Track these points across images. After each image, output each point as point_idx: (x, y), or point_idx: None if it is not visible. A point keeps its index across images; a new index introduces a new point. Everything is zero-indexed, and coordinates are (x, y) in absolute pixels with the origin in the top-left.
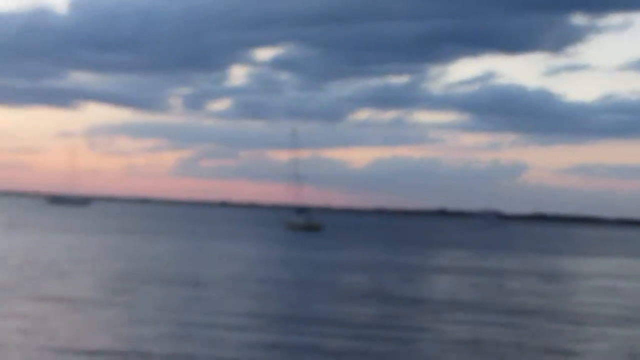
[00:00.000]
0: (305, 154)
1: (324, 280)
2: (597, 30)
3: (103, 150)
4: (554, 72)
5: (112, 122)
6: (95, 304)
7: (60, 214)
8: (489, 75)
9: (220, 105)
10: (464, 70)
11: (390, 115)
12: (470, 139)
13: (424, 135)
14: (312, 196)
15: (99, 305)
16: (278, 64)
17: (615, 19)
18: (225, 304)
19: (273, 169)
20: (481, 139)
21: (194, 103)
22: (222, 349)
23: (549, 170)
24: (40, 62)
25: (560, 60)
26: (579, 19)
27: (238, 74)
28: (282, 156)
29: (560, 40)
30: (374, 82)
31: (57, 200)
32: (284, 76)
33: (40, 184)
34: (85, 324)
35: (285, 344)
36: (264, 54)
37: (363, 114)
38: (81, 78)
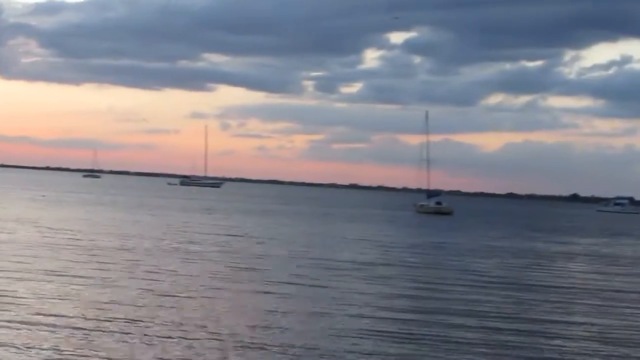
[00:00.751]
0: (436, 138)
1: (456, 265)
2: None
3: (235, 133)
4: None
5: (244, 104)
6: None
7: (193, 195)
8: (625, 60)
9: (353, 88)
10: (599, 55)
11: (522, 100)
12: (604, 125)
13: (557, 121)
14: (442, 180)
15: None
16: (411, 47)
17: None
18: (356, 289)
19: (404, 152)
20: (616, 124)
21: (327, 86)
22: (350, 339)
23: None
24: (176, 44)
25: None
26: None
27: (371, 58)
28: (413, 140)
29: None
30: (507, 67)
31: (190, 181)
32: (416, 60)
33: (173, 166)
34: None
35: (421, 334)
36: (397, 37)
37: (495, 99)
38: (215, 60)
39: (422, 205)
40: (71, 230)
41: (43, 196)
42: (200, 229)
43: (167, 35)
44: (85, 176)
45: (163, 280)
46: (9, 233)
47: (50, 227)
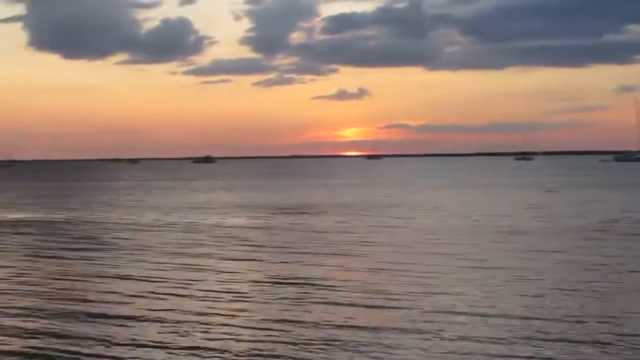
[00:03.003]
0: None
1: None
2: None
3: None
4: None
5: None
6: None
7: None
8: None
9: None
10: None
11: None
12: None
13: None
14: None
15: None
16: None
17: None
18: None
19: None
20: None
21: None
22: None
23: None
24: (599, 19)
25: None
26: None
27: None
28: None
29: None
30: None
31: (625, 157)
32: None
33: (605, 143)
34: None
35: None
36: None
37: None
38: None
39: None
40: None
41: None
42: None
43: (590, 10)
44: (516, 159)
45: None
46: (441, 219)
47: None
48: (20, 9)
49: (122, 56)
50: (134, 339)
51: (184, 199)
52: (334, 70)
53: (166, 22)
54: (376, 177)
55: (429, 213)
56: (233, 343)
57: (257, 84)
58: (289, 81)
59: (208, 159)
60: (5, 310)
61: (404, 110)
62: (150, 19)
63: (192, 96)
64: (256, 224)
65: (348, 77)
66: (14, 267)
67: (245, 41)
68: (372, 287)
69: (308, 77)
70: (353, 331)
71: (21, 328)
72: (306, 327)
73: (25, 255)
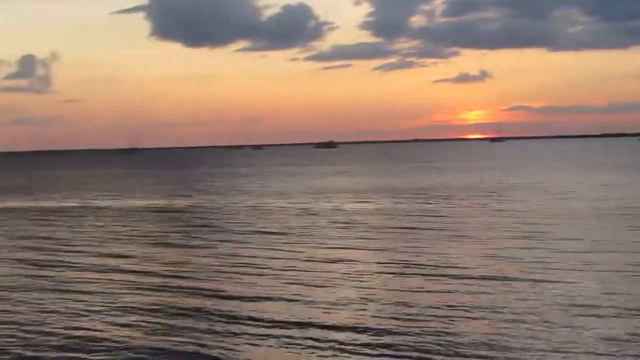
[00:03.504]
0: None
1: None
2: None
3: None
4: None
5: None
6: None
7: None
8: None
9: None
10: None
11: None
12: None
13: None
14: None
15: None
16: None
17: None
18: None
19: None
20: None
21: None
22: None
23: None
24: None
25: None
26: None
27: None
28: None
29: None
30: None
31: None
32: None
33: None
34: None
35: None
36: None
37: None
38: None
39: None
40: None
41: None
42: None
43: None
44: None
45: None
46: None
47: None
48: None
49: (243, 43)
50: (260, 319)
51: (306, 184)
52: (455, 53)
53: (286, 9)
54: (499, 160)
55: (557, 196)
56: (361, 327)
57: (378, 68)
58: (410, 65)
59: (330, 144)
60: (137, 290)
61: (526, 92)
62: (270, 6)
63: (313, 82)
64: (377, 209)
65: (469, 59)
66: (140, 252)
67: (365, 26)
68: (492, 273)
69: (429, 60)
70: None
71: (153, 304)
72: (427, 316)
73: (149, 242)
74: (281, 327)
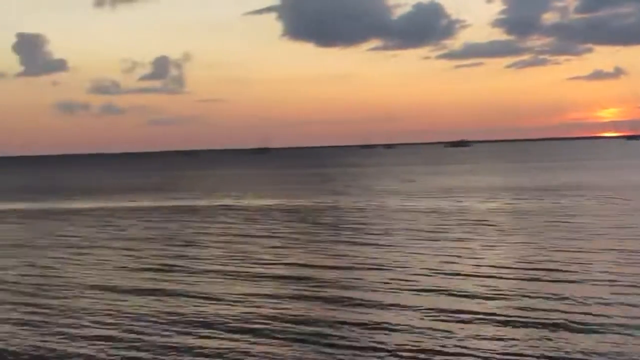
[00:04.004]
0: None
1: None
2: None
3: None
4: None
5: None
6: None
7: None
8: None
9: None
10: None
11: None
12: None
13: None
14: None
15: None
16: None
17: None
18: None
19: None
20: None
21: None
22: None
23: None
24: None
25: None
26: None
27: None
28: None
29: None
30: None
31: None
32: None
33: None
34: None
35: None
36: None
37: None
38: None
39: None
40: None
41: None
42: None
43: None
44: None
45: None
46: None
47: None
48: (274, 0)
49: (375, 42)
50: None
51: (434, 184)
52: (589, 50)
53: (418, 7)
54: (635, 158)
55: None
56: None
57: (510, 66)
58: (543, 62)
59: (462, 143)
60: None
61: None
62: (401, 5)
63: (445, 80)
64: (505, 208)
65: (603, 56)
66: (280, 249)
67: (497, 23)
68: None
69: (562, 57)
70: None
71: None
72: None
73: (287, 240)
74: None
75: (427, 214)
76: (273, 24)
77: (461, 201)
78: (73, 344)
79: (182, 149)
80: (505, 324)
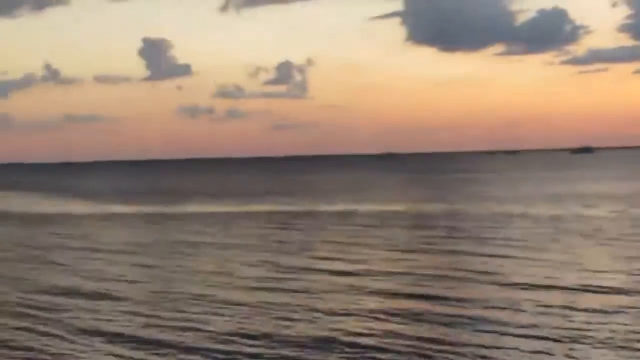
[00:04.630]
0: None
1: None
2: None
3: None
4: None
5: None
6: None
7: None
8: None
9: None
10: None
11: None
12: None
13: None
14: None
15: None
16: None
17: None
18: None
19: None
20: None
21: None
22: None
23: None
24: None
25: None
26: None
27: None
28: None
29: None
30: None
31: None
32: None
33: None
34: None
35: None
36: None
37: None
38: None
39: None
40: None
41: None
42: None
43: None
44: None
45: None
46: None
47: None
48: (398, 5)
49: (499, 48)
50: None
51: (554, 190)
52: None
53: (542, 13)
54: None
55: None
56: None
57: (637, 72)
58: None
59: (586, 149)
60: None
61: None
62: (524, 10)
63: (569, 86)
64: (623, 216)
65: None
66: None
67: (623, 28)
68: None
69: None
70: None
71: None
72: None
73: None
74: None
75: (541, 221)
76: (397, 29)
77: (577, 208)
78: None
79: (305, 154)
80: None
